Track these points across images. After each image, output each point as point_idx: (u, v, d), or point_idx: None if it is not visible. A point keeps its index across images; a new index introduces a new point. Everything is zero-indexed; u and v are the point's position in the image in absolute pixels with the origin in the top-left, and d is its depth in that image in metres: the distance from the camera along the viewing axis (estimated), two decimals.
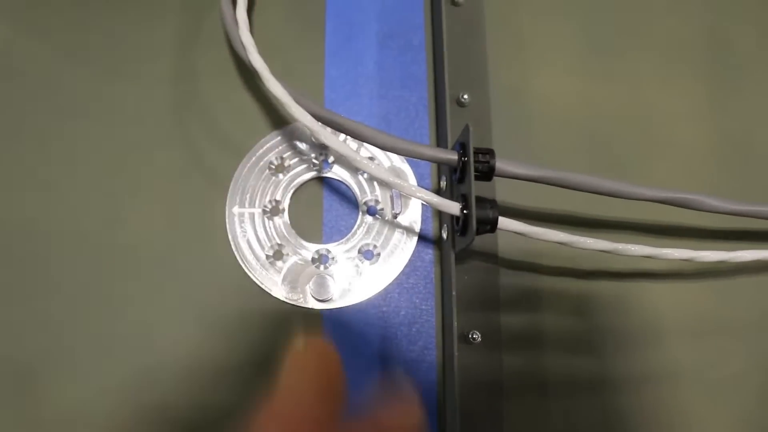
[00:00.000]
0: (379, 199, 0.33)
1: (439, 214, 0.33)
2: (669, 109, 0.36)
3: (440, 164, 0.32)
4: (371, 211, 0.33)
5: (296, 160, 0.33)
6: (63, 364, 0.30)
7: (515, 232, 0.27)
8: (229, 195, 0.32)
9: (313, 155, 0.33)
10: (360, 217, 0.32)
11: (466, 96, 0.33)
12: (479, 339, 0.31)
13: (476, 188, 0.27)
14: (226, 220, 0.32)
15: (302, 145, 0.33)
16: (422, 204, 0.32)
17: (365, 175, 0.33)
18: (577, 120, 0.35)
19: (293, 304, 0.31)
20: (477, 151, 0.28)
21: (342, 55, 0.35)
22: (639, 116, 0.36)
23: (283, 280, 0.31)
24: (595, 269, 0.33)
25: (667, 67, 0.37)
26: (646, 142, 0.35)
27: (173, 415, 0.29)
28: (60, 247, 0.31)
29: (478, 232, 0.27)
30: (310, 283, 0.31)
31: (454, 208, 0.27)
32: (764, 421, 0.32)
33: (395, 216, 0.32)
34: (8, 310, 0.30)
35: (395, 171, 0.33)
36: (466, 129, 0.28)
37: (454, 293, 0.30)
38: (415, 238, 0.32)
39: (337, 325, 0.31)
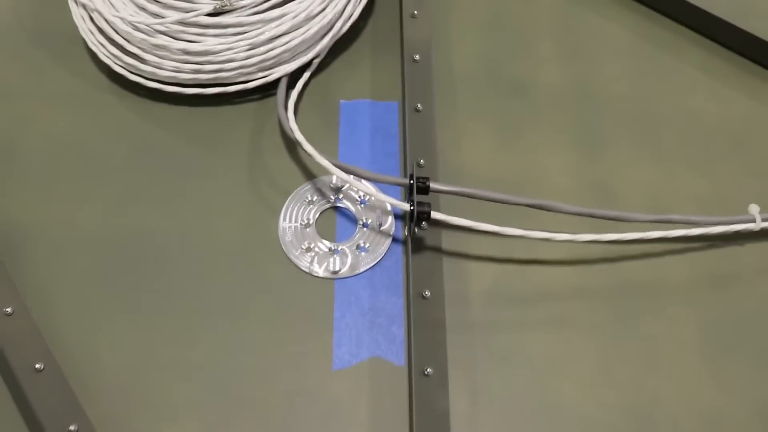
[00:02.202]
0: (370, 218, 0.54)
1: (403, 222, 0.54)
2: (551, 167, 0.58)
3: (401, 186, 0.54)
4: (365, 225, 0.54)
5: (320, 196, 0.56)
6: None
7: (439, 219, 0.49)
8: (281, 216, 0.55)
9: (331, 194, 0.56)
10: (358, 228, 0.54)
11: (422, 161, 0.56)
12: (429, 296, 0.51)
13: (419, 198, 0.49)
14: (279, 231, 0.54)
15: (324, 189, 0.56)
16: (395, 220, 0.54)
17: (362, 206, 0.55)
18: (492, 176, 0.57)
19: (317, 276, 0.52)
20: (419, 177, 0.50)
21: (349, 140, 0.59)
22: (532, 174, 0.58)
23: (311, 262, 0.53)
24: (504, 257, 0.53)
25: (550, 142, 0.59)
26: (537, 190, 0.57)
27: None
28: (172, 252, 0.53)
29: (419, 218, 0.49)
30: (327, 264, 0.52)
31: (406, 205, 0.49)
32: None
33: (380, 226, 0.54)
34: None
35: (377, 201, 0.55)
36: (413, 166, 0.50)
37: (411, 268, 0.51)
38: (390, 239, 0.54)
39: (342, 287, 0.52)
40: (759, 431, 0.48)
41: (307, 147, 0.53)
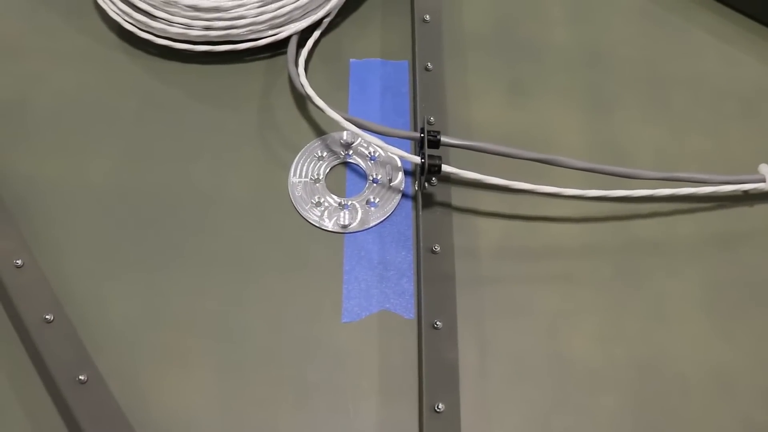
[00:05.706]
0: (380, 174, 0.55)
1: (413, 178, 0.54)
2: (561, 127, 0.58)
3: (412, 140, 0.54)
4: (375, 181, 0.54)
5: (330, 152, 0.56)
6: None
7: (449, 173, 0.49)
8: (291, 171, 0.55)
9: (341, 150, 0.56)
10: (368, 183, 0.54)
11: (432, 119, 0.56)
12: (439, 250, 0.51)
13: (430, 151, 0.49)
14: (288, 186, 0.54)
15: (334, 145, 0.56)
16: (404, 176, 0.54)
17: (372, 162, 0.55)
18: (502, 135, 0.57)
19: (327, 230, 0.52)
20: (429, 131, 0.50)
21: (359, 98, 0.59)
22: (541, 133, 0.58)
23: (320, 217, 0.53)
24: (513, 213, 0.53)
25: (560, 102, 0.59)
26: (546, 149, 0.56)
27: None
28: (182, 205, 0.54)
29: (430, 171, 0.49)
30: (337, 218, 0.52)
31: (416, 158, 0.49)
32: None
33: (390, 181, 0.54)
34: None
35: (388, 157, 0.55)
36: (425, 120, 0.50)
37: (420, 223, 0.51)
38: (400, 194, 0.54)
39: (352, 241, 0.52)
40: (766, 386, 0.48)
41: (318, 101, 0.53)
